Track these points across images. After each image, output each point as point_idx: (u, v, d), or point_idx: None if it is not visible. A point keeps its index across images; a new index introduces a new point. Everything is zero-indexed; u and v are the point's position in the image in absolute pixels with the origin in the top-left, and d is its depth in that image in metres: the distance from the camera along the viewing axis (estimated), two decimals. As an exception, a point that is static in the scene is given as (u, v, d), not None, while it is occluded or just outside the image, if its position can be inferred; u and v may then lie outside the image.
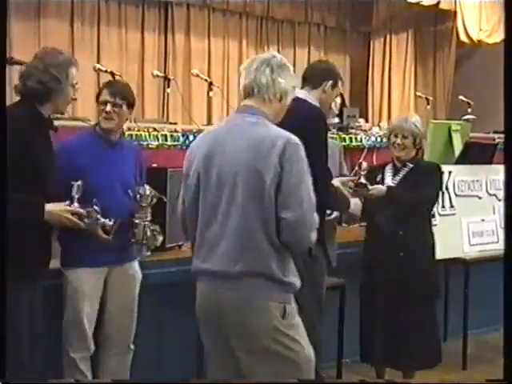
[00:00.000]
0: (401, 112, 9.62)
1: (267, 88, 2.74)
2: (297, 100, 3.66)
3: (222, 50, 9.21)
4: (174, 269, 3.88)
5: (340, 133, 6.05)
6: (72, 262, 3.47)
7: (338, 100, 7.02)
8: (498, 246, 4.99)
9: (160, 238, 3.60)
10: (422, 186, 4.07)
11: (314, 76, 3.71)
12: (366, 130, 6.35)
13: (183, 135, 5.13)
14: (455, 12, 9.62)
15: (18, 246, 2.83)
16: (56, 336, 3.47)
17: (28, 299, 3.04)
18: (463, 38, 9.71)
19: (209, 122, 6.81)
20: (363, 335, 4.26)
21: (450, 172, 4.92)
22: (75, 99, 3.18)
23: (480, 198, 5.27)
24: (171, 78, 7.00)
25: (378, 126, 6.81)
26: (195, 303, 2.78)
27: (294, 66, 9.57)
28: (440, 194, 4.44)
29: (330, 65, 3.91)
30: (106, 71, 6.08)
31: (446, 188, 4.90)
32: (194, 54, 8.89)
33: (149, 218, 3.51)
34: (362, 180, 4.05)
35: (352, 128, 6.25)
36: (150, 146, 4.90)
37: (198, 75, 6.83)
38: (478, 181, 5.25)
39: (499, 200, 5.21)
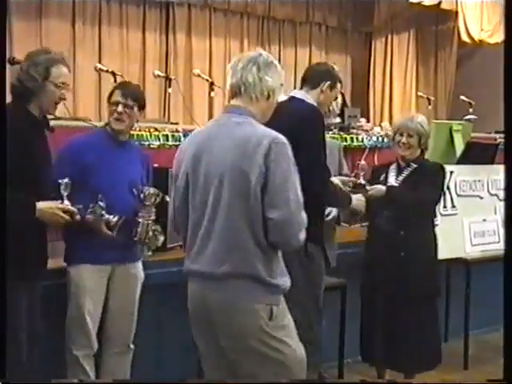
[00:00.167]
0: (402, 112, 9.62)
1: (254, 87, 2.72)
2: (294, 100, 3.70)
3: (224, 50, 9.21)
4: (175, 269, 3.86)
5: (341, 133, 6.05)
6: (74, 258, 3.50)
7: (340, 100, 7.04)
8: (499, 246, 4.99)
9: (161, 238, 3.60)
10: (425, 186, 4.06)
11: (312, 77, 3.73)
12: (367, 130, 6.35)
13: (184, 135, 5.12)
14: (456, 12, 9.63)
15: (12, 245, 2.81)
16: (62, 336, 3.49)
17: (26, 299, 3.05)
18: (464, 37, 9.71)
19: (210, 122, 6.79)
20: (364, 335, 4.25)
21: (451, 172, 4.92)
22: (64, 99, 3.15)
23: (481, 198, 5.27)
24: (172, 77, 7.01)
25: (380, 125, 6.80)
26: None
27: (295, 65, 9.61)
28: (442, 194, 4.43)
29: (328, 66, 3.92)
30: (107, 71, 6.09)
31: (448, 188, 4.89)
32: (195, 54, 8.90)
33: (152, 218, 3.51)
34: (361, 181, 4.05)
35: (353, 128, 6.25)
36: (152, 146, 4.90)
37: (199, 75, 6.83)
38: (479, 181, 5.25)
39: (501, 200, 5.20)
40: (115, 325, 3.59)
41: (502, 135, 6.01)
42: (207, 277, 2.67)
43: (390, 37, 10.41)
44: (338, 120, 6.20)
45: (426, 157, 4.32)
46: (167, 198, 3.75)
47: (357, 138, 6.10)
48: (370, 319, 4.19)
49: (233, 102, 2.78)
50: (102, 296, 3.53)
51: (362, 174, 4.11)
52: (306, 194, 3.43)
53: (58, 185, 3.13)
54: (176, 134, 5.11)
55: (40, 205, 2.99)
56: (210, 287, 2.67)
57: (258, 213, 2.59)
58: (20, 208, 2.91)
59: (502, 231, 5.15)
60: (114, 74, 5.88)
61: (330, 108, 3.97)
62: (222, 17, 9.28)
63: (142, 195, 3.47)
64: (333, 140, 5.31)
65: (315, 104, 3.64)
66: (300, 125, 3.46)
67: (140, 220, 3.47)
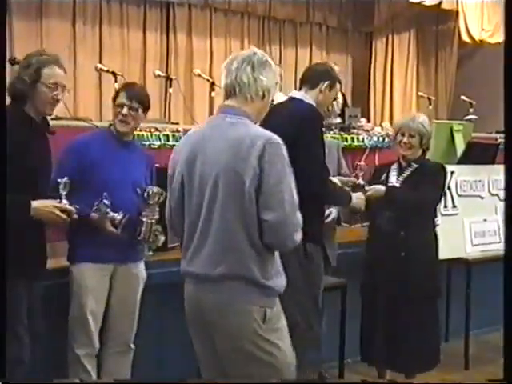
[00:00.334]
0: (403, 112, 9.63)
1: (249, 87, 2.70)
2: (294, 100, 3.71)
3: (224, 50, 9.20)
4: (176, 269, 3.83)
5: (342, 133, 6.04)
6: (76, 256, 3.53)
7: (340, 100, 7.04)
8: (500, 246, 4.98)
9: (162, 238, 3.61)
10: (425, 186, 4.06)
11: (311, 77, 3.74)
12: (367, 130, 6.34)
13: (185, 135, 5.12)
14: (457, 12, 9.63)
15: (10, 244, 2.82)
16: (64, 335, 3.51)
17: (25, 299, 3.06)
18: (465, 37, 9.72)
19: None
20: (364, 335, 4.25)
21: (452, 172, 4.91)
22: (57, 99, 3.16)
23: (482, 198, 5.27)
24: (173, 77, 7.01)
25: (380, 125, 6.79)
26: None
27: (296, 65, 9.61)
28: (443, 194, 4.43)
29: (327, 67, 3.93)
30: (107, 71, 6.08)
31: (449, 188, 4.90)
32: (195, 54, 8.90)
33: (156, 217, 3.52)
34: (360, 181, 4.05)
35: (354, 128, 6.24)
36: (152, 146, 4.90)
37: (199, 75, 6.82)
38: (480, 181, 5.25)
39: (501, 200, 5.20)
40: (116, 324, 3.60)
41: (503, 135, 6.01)
42: (202, 278, 2.67)
43: (390, 37, 10.40)
44: (338, 120, 6.20)
45: (426, 157, 4.32)
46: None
47: (357, 138, 6.09)
48: (370, 319, 4.18)
49: (227, 102, 2.75)
50: (104, 295, 3.54)
51: (361, 174, 4.11)
52: (306, 194, 3.44)
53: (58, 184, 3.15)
54: (177, 134, 5.10)
55: (35, 203, 3.01)
56: (205, 289, 2.67)
57: (253, 214, 2.58)
58: (14, 207, 2.90)
59: (502, 231, 5.15)
60: (114, 74, 5.88)
61: (330, 108, 3.97)
62: (222, 17, 9.28)
63: (145, 194, 3.48)
64: (332, 140, 5.31)
65: (314, 104, 3.64)
66: (299, 125, 3.47)
67: (144, 219, 3.48)
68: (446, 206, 4.94)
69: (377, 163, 5.68)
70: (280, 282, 2.72)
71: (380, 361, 4.21)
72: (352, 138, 6.06)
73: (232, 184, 2.58)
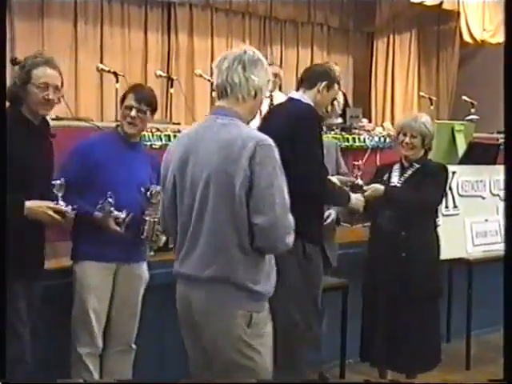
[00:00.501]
0: (404, 112, 9.61)
1: (240, 87, 2.68)
2: (291, 100, 3.73)
3: (225, 50, 9.01)
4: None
5: (343, 133, 6.04)
6: (79, 255, 3.55)
7: (341, 100, 7.04)
8: (501, 247, 4.96)
9: (163, 238, 3.61)
10: (427, 186, 4.05)
11: (309, 77, 3.76)
12: (369, 131, 6.34)
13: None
14: (458, 12, 9.62)
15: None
16: (66, 335, 3.52)
17: (24, 299, 3.07)
18: (466, 38, 9.70)
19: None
20: (364, 336, 4.25)
21: (453, 172, 4.91)
22: (48, 100, 3.17)
23: (483, 198, 5.26)
24: (174, 78, 7.01)
25: (382, 126, 6.79)
26: None
27: (297, 66, 9.60)
28: (444, 194, 4.42)
29: (325, 67, 3.96)
30: (109, 71, 6.09)
31: (450, 188, 4.89)
32: (197, 54, 8.89)
33: (159, 216, 3.52)
34: (359, 181, 4.04)
35: (355, 128, 6.24)
36: (154, 146, 4.90)
37: (201, 75, 6.81)
38: (481, 181, 5.24)
39: (502, 200, 5.20)
40: (117, 324, 3.61)
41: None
42: (193, 279, 2.67)
43: (391, 37, 10.39)
44: (339, 120, 6.20)
45: (428, 157, 4.31)
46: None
47: (359, 139, 6.09)
48: (371, 319, 4.18)
49: (219, 102, 2.74)
50: (107, 294, 3.55)
51: (359, 174, 4.11)
52: (304, 194, 3.45)
53: (70, 181, 3.21)
54: (178, 134, 5.09)
55: (29, 203, 3.04)
56: (195, 290, 2.67)
57: (243, 218, 2.57)
58: (7, 206, 2.92)
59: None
60: (115, 74, 5.88)
61: (328, 108, 3.98)
62: (223, 17, 9.27)
63: (148, 193, 3.50)
64: (330, 140, 5.32)
65: (312, 104, 3.65)
66: (296, 125, 3.49)
67: (147, 218, 3.50)
68: (447, 207, 4.94)
69: (378, 163, 5.68)
70: (269, 286, 2.70)
71: (380, 361, 4.20)
72: (353, 139, 6.05)
73: (223, 185, 2.57)
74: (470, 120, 6.69)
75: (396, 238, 4.07)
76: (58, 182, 3.14)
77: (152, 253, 3.82)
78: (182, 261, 2.72)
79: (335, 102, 5.40)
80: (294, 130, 3.46)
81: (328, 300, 4.41)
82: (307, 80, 3.74)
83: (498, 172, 5.20)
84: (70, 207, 3.14)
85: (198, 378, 2.84)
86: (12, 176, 2.89)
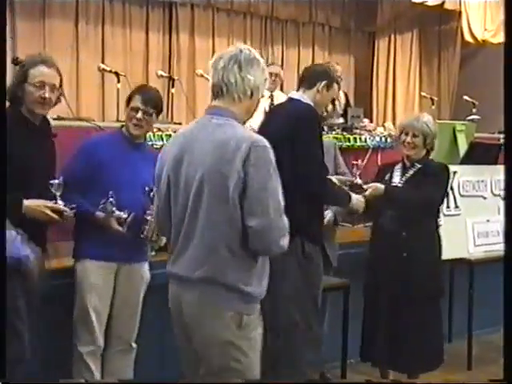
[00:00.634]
0: (405, 112, 9.62)
1: (236, 87, 2.64)
2: (291, 100, 3.73)
3: (226, 50, 9.17)
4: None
5: (344, 133, 6.04)
6: (80, 253, 3.57)
7: (343, 100, 7.04)
8: (502, 247, 4.97)
9: (164, 239, 3.61)
10: (428, 186, 4.05)
11: (308, 77, 3.77)
12: (370, 130, 6.34)
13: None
14: (460, 12, 9.61)
15: None
16: (68, 335, 3.53)
17: (24, 298, 3.07)
18: (468, 37, 9.69)
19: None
20: (365, 336, 4.25)
21: (454, 172, 4.91)
22: (44, 98, 3.18)
23: (485, 198, 5.26)
24: (176, 78, 7.01)
25: (383, 126, 6.79)
26: None
27: (298, 66, 9.60)
28: (446, 195, 4.41)
29: (325, 67, 3.97)
30: (110, 71, 6.09)
31: (451, 188, 4.89)
32: (198, 54, 8.89)
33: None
34: (358, 180, 4.04)
35: (356, 128, 6.24)
36: (155, 146, 4.90)
37: (202, 75, 6.79)
38: (482, 181, 5.24)
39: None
40: (118, 323, 3.62)
41: (506, 135, 5.99)
42: (184, 280, 2.66)
43: (393, 37, 10.39)
44: (341, 120, 6.21)
45: (430, 157, 4.31)
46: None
47: (360, 139, 6.09)
48: (372, 319, 4.18)
49: (214, 102, 2.70)
50: (108, 293, 3.56)
51: (358, 173, 4.11)
52: (304, 194, 3.45)
53: (73, 180, 3.25)
54: (179, 134, 5.10)
55: (27, 202, 3.06)
56: (185, 290, 2.66)
57: (237, 219, 2.55)
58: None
59: (505, 231, 5.14)
60: (117, 74, 5.89)
61: (328, 108, 3.99)
62: (225, 17, 9.27)
63: (151, 194, 3.50)
64: (328, 140, 5.32)
65: (312, 104, 3.65)
66: (296, 124, 3.49)
67: (148, 217, 3.50)
68: (448, 207, 4.94)
69: (379, 164, 5.67)
70: (261, 288, 2.68)
71: (382, 361, 4.20)
72: (354, 139, 6.06)
73: (217, 186, 2.55)
74: (472, 120, 6.68)
75: (397, 238, 4.07)
76: (57, 181, 3.14)
77: (153, 253, 3.83)
78: (174, 261, 2.71)
79: (336, 102, 5.41)
80: (294, 129, 3.46)
81: (329, 300, 4.42)
82: (307, 80, 3.74)
83: (499, 172, 5.19)
84: (68, 206, 3.15)
85: (192, 379, 2.83)
86: (12, 175, 2.90)
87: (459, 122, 5.93)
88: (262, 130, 3.69)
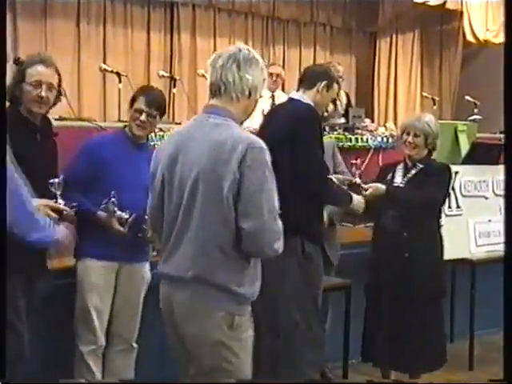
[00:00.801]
0: (407, 112, 9.61)
1: (234, 86, 2.62)
2: (292, 101, 3.74)
3: (228, 51, 9.16)
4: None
5: (346, 133, 6.04)
6: (81, 252, 3.57)
7: (344, 100, 7.03)
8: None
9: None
10: (430, 186, 4.05)
11: (308, 77, 3.77)
12: (371, 131, 6.33)
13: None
14: (461, 12, 9.59)
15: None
16: (69, 335, 3.53)
17: (24, 298, 3.07)
18: (469, 37, 9.68)
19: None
20: (367, 336, 4.24)
21: (456, 172, 4.91)
22: (41, 97, 3.19)
23: (486, 198, 5.26)
24: (177, 78, 7.01)
25: (384, 126, 6.79)
26: None
27: (300, 66, 9.59)
28: (447, 195, 4.41)
29: (325, 67, 3.98)
30: (111, 71, 6.09)
31: (453, 188, 4.89)
32: (199, 54, 8.88)
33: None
34: (357, 180, 4.04)
35: (358, 128, 6.24)
36: (156, 146, 4.89)
37: (203, 75, 6.79)
38: (484, 181, 5.24)
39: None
40: (118, 323, 3.63)
41: (507, 135, 5.99)
42: (175, 280, 2.65)
43: (394, 37, 10.38)
44: (342, 120, 6.20)
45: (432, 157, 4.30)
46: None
47: (361, 139, 6.09)
48: (374, 319, 4.18)
49: (212, 101, 2.68)
50: (110, 293, 3.57)
51: (357, 172, 4.11)
52: (305, 194, 3.45)
53: (75, 180, 3.26)
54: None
55: None
56: (176, 290, 2.65)
57: (231, 221, 2.53)
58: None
59: (507, 231, 5.13)
60: (118, 74, 5.89)
61: (328, 108, 3.99)
62: (226, 17, 9.27)
63: None
64: (327, 140, 5.32)
65: (312, 104, 3.66)
66: (296, 125, 3.50)
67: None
68: (450, 207, 4.93)
69: (381, 164, 5.67)
70: (253, 290, 2.67)
71: (383, 361, 4.20)
72: (356, 139, 6.06)
73: (211, 187, 2.53)
74: (473, 120, 6.68)
75: (399, 239, 4.07)
76: (56, 180, 3.14)
77: (155, 253, 3.83)
78: (165, 261, 2.70)
79: (337, 102, 5.40)
80: (294, 130, 3.46)
81: (331, 300, 4.41)
82: (307, 80, 3.75)
83: (500, 172, 5.18)
84: (68, 205, 3.15)
85: (182, 378, 2.82)
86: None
87: (461, 122, 5.93)
88: (262, 131, 3.70)
